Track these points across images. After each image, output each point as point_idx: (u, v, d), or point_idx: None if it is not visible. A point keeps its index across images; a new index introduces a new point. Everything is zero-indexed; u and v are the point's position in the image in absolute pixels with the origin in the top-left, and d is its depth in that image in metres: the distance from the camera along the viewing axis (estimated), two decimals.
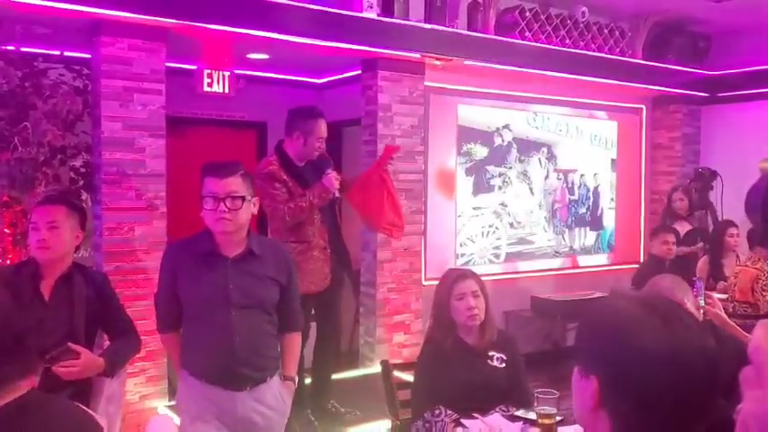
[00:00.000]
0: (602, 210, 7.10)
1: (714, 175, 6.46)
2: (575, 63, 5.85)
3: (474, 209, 6.15)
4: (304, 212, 3.86)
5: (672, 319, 1.13)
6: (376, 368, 5.01)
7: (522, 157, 6.45)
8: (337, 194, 3.96)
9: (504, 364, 2.96)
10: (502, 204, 6.33)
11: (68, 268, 2.76)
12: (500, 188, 6.32)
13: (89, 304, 2.77)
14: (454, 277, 3.03)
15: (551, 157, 6.67)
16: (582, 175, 6.93)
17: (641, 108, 7.14)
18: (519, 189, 6.43)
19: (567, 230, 6.85)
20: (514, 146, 6.38)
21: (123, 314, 2.95)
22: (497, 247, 6.34)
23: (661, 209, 6.61)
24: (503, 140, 6.32)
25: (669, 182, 7.07)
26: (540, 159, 6.59)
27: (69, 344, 2.57)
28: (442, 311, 3.00)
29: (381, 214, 4.13)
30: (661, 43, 6.60)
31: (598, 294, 6.20)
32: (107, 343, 3.09)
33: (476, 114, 6.10)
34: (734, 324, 3.34)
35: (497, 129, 6.27)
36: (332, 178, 3.85)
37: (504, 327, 5.94)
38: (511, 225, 6.42)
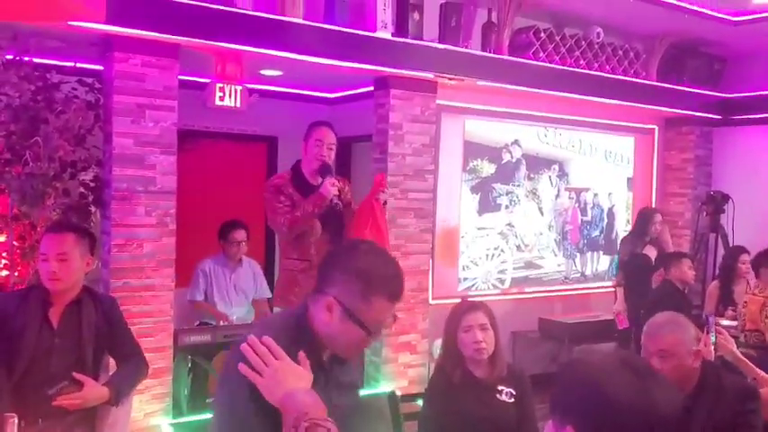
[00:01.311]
0: (616, 232, 6.79)
1: (726, 198, 6.43)
2: (588, 84, 5.82)
3: (479, 229, 5.90)
4: (299, 222, 3.79)
5: (643, 372, 1.25)
6: (381, 389, 4.99)
7: (532, 175, 6.23)
8: (336, 201, 3.89)
9: (513, 399, 2.93)
10: (509, 225, 6.09)
11: (78, 294, 2.75)
12: (507, 207, 6.08)
13: (97, 330, 2.76)
14: (463, 309, 3.00)
15: (563, 174, 6.44)
16: (595, 195, 6.69)
17: (653, 128, 7.09)
18: (527, 209, 6.21)
19: (578, 254, 6.58)
20: (524, 162, 6.16)
21: (130, 339, 2.94)
22: (502, 272, 6.08)
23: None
24: (511, 157, 6.09)
25: (680, 203, 7.03)
26: (550, 177, 6.37)
27: (74, 374, 2.57)
28: (450, 343, 2.98)
29: None
30: (676, 65, 6.56)
31: (607, 317, 6.14)
32: (112, 361, 3.07)
33: (484, 129, 5.88)
34: (746, 360, 3.31)
35: (506, 144, 6.04)
36: (327, 185, 3.77)
37: (512, 347, 5.91)
38: (518, 247, 6.16)
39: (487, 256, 6.01)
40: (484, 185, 5.94)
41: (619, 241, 6.47)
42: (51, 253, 2.70)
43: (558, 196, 6.44)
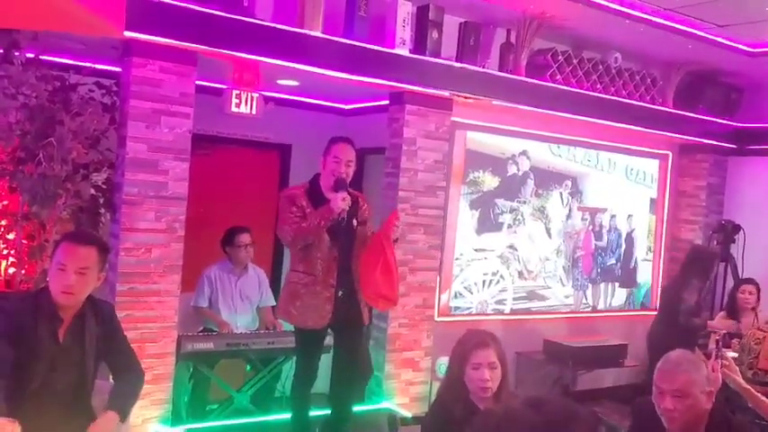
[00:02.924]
0: (635, 261, 6.13)
1: (737, 228, 6.40)
2: (603, 108, 5.78)
3: (476, 251, 5.32)
4: (304, 232, 3.77)
5: (556, 418, 1.28)
6: (381, 405, 4.98)
7: (540, 191, 5.65)
8: (344, 216, 3.85)
9: None
10: (511, 247, 5.50)
11: (82, 305, 2.70)
12: (510, 227, 5.48)
13: (97, 340, 2.73)
14: (473, 344, 2.85)
15: (576, 192, 5.85)
16: (613, 217, 6.08)
17: (667, 154, 7.05)
18: (533, 230, 5.62)
19: (589, 285, 5.93)
20: (531, 176, 5.57)
21: (127, 348, 2.91)
22: (501, 302, 5.47)
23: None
24: (518, 169, 5.51)
25: (691, 230, 6.98)
26: (561, 194, 5.81)
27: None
28: (455, 374, 2.87)
29: (368, 282, 3.93)
30: (692, 93, 6.54)
31: (614, 342, 6.08)
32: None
33: (488, 138, 5.35)
34: (751, 389, 3.27)
35: (513, 155, 5.45)
36: (338, 198, 3.73)
37: (515, 368, 5.86)
38: (520, 274, 5.53)
39: (484, 282, 5.42)
40: (485, 201, 5.38)
41: (637, 272, 5.89)
42: (72, 265, 2.56)
43: (569, 217, 5.91)
